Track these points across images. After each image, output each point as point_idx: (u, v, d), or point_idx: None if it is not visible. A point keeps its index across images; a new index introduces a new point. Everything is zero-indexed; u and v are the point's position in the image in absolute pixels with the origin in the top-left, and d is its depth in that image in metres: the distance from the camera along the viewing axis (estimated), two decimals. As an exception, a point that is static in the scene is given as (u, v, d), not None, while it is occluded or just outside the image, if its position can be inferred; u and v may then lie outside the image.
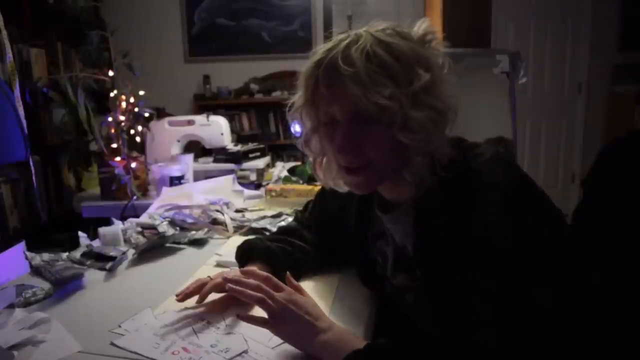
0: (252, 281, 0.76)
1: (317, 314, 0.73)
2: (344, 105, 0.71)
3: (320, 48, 0.75)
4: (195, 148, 2.37)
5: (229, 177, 1.84)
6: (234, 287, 0.75)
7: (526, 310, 0.63)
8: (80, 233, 1.25)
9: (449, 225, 0.69)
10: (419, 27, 0.74)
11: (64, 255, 1.14)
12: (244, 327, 0.80)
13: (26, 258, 1.09)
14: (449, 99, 0.73)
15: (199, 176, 2.02)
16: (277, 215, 1.44)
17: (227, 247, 1.23)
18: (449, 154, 0.73)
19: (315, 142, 0.82)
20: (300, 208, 1.19)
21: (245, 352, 0.73)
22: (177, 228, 1.36)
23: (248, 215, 1.51)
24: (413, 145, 0.70)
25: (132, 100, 1.92)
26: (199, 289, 0.88)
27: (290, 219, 1.33)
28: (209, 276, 0.91)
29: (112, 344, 0.75)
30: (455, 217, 0.68)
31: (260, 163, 2.24)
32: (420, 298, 0.82)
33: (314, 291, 0.94)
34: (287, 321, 0.71)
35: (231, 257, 1.05)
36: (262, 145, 2.42)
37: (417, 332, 0.87)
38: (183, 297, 0.87)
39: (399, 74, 0.69)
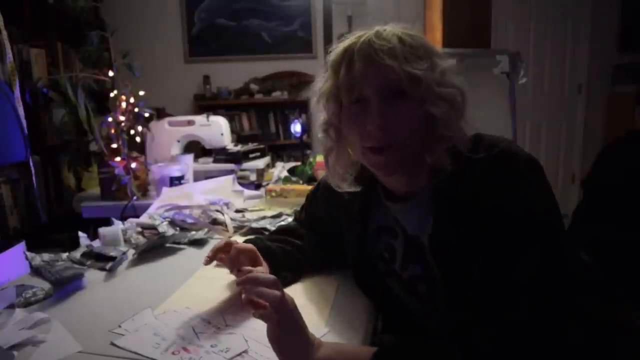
0: (269, 276, 0.70)
1: (303, 324, 0.70)
2: (379, 79, 0.75)
3: (345, 38, 0.80)
4: (195, 148, 2.37)
5: (229, 178, 1.84)
6: (255, 289, 0.67)
7: (563, 275, 0.71)
8: (80, 233, 1.25)
9: (485, 200, 0.71)
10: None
11: (64, 255, 1.14)
12: (244, 327, 0.80)
13: (26, 258, 1.09)
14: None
15: (199, 176, 2.02)
16: (277, 216, 1.44)
17: (227, 247, 1.23)
18: (467, 140, 0.77)
19: (332, 131, 0.84)
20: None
21: (245, 352, 0.73)
22: (177, 228, 1.36)
23: (248, 215, 1.51)
24: (444, 118, 0.74)
25: (132, 100, 1.92)
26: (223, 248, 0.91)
27: (290, 219, 1.33)
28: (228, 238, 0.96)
29: (112, 344, 0.75)
30: (495, 192, 0.71)
31: (260, 163, 2.24)
32: (433, 286, 0.83)
33: (311, 299, 0.93)
34: (288, 323, 0.67)
35: (231, 257, 1.05)
36: (262, 146, 2.42)
37: (423, 332, 0.88)
38: (212, 253, 0.91)
39: (425, 57, 0.75)
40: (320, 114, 0.85)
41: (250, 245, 0.95)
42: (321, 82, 0.83)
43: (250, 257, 0.94)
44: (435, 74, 0.75)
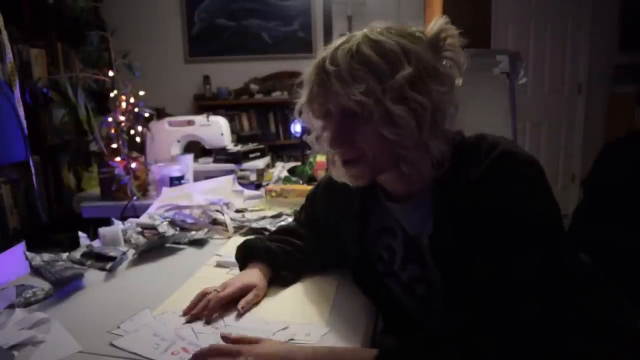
0: (232, 346, 0.70)
1: (288, 348, 0.71)
2: (333, 102, 0.76)
3: (322, 50, 0.80)
4: (195, 148, 2.37)
5: (229, 178, 1.84)
6: None
7: (563, 276, 0.72)
8: (80, 233, 1.25)
9: (485, 200, 0.70)
10: (433, 26, 0.78)
11: (64, 255, 1.14)
12: (243, 327, 0.80)
13: (26, 258, 1.09)
14: (439, 94, 0.74)
15: (199, 176, 2.02)
16: (277, 216, 1.44)
17: (227, 247, 1.23)
18: (444, 147, 0.75)
19: (324, 140, 0.84)
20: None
21: (245, 352, 0.73)
22: (177, 228, 1.36)
23: (248, 215, 1.51)
24: (395, 139, 0.73)
25: (132, 100, 1.92)
26: (204, 306, 0.85)
27: (290, 219, 1.33)
28: (215, 290, 0.88)
29: (112, 344, 0.75)
30: (495, 192, 0.70)
31: (260, 163, 2.24)
32: (432, 287, 0.83)
33: (311, 299, 0.93)
34: None
35: (231, 257, 1.05)
36: (262, 146, 2.42)
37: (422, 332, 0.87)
38: (191, 317, 0.84)
39: (382, 69, 0.72)
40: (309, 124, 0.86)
41: (232, 286, 0.89)
42: (301, 97, 0.83)
43: (240, 290, 0.89)
44: (392, 87, 0.71)
